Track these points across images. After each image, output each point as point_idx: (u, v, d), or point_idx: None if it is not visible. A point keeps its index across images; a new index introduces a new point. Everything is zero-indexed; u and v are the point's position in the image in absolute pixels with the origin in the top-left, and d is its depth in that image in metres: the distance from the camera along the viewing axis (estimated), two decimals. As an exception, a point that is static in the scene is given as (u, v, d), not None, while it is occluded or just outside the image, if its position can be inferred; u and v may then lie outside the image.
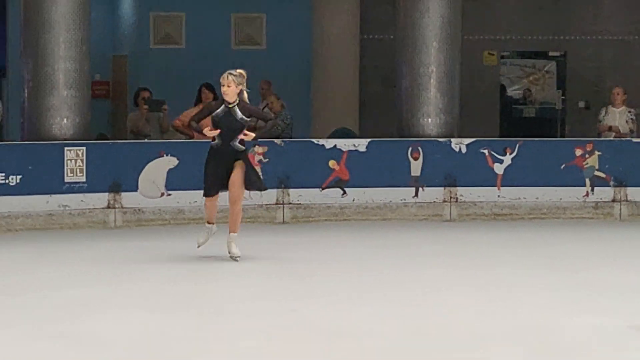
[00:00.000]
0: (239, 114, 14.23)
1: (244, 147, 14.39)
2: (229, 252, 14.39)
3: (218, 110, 14.27)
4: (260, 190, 15.06)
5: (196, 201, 17.81)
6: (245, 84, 14.35)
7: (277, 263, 14.81)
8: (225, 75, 14.22)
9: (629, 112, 20.07)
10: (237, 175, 14.21)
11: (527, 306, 11.99)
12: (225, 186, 14.33)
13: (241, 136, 14.30)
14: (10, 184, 17.17)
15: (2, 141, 20.83)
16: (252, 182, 14.43)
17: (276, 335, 10.65)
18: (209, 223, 14.65)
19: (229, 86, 14.13)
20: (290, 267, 14.52)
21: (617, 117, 19.98)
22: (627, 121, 19.95)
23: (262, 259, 15.07)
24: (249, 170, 14.40)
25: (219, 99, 14.84)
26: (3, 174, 17.14)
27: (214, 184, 14.39)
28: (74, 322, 11.17)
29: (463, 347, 10.25)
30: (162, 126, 20.01)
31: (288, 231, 17.47)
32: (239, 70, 14.34)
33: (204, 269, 14.28)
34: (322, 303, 12.18)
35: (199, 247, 14.54)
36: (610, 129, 19.88)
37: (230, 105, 14.25)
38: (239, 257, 14.38)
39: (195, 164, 17.83)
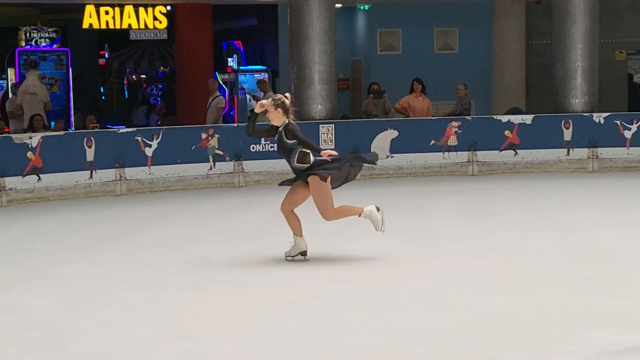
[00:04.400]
0: (285, 138, 10.24)
1: (307, 164, 10.27)
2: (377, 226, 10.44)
3: (275, 135, 10.35)
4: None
5: (411, 161, 17.85)
6: (286, 107, 10.26)
7: (469, 202, 14.74)
8: (268, 101, 10.34)
9: None
10: (313, 197, 10.35)
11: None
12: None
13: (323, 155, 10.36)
14: (283, 150, 17.41)
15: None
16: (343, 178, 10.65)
17: (471, 254, 10.62)
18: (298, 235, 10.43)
19: (268, 110, 10.25)
20: (478, 205, 14.44)
21: None
22: None
23: (458, 200, 15.01)
24: (327, 175, 10.32)
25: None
26: (278, 144, 17.39)
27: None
28: (328, 245, 11.27)
29: (605, 260, 10.07)
30: (385, 109, 20.06)
31: (476, 181, 17.35)
32: (278, 95, 10.46)
33: (422, 204, 14.28)
34: (501, 230, 12.10)
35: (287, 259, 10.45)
36: None
37: (280, 129, 10.28)
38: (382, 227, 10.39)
39: (411, 134, 17.91)
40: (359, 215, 10.50)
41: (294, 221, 10.45)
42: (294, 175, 10.57)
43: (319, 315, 8.03)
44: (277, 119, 10.29)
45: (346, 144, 17.62)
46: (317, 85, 18.23)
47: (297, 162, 10.32)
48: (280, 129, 10.30)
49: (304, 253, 10.44)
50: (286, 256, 10.46)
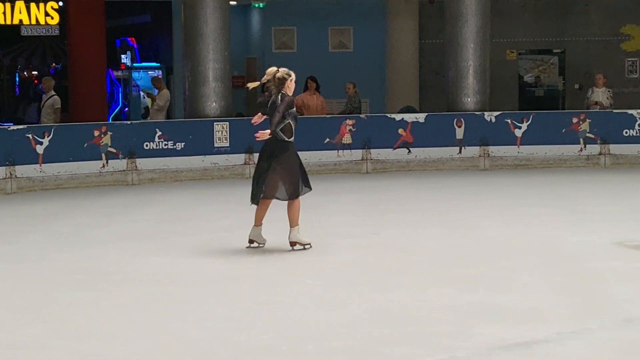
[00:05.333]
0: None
1: (285, 138, 10.70)
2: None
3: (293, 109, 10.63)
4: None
5: (306, 159, 17.81)
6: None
7: (363, 201, 14.82)
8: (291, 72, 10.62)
9: (608, 91, 19.91)
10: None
11: (540, 229, 11.92)
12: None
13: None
14: (177, 148, 17.29)
15: (170, 119, 20.96)
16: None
17: (364, 251, 10.67)
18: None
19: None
20: (372, 203, 14.52)
21: (599, 95, 19.81)
22: (607, 97, 19.78)
23: (352, 198, 15.09)
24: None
25: (287, 94, 10.59)
26: (172, 141, 17.26)
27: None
28: (223, 243, 11.25)
29: (496, 257, 10.22)
30: (281, 107, 20.03)
31: (370, 179, 17.46)
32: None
33: (316, 202, 14.29)
34: (394, 227, 12.19)
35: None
36: (595, 103, 19.73)
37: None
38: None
39: (305, 133, 17.87)
40: (256, 224, 10.72)
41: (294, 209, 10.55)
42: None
43: (212, 314, 7.99)
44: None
45: (241, 141, 17.56)
46: (211, 83, 18.14)
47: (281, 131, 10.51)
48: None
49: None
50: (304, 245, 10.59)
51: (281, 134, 10.57)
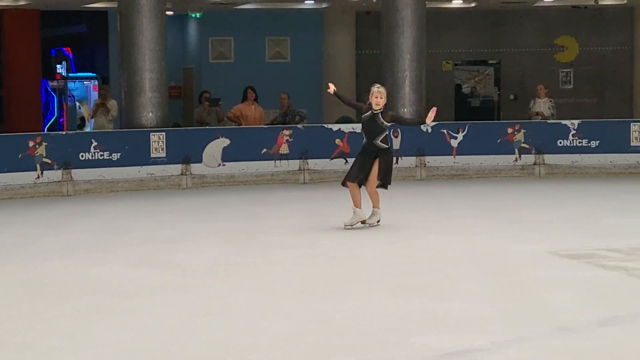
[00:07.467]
0: (381, 120, 12.62)
1: (386, 146, 12.75)
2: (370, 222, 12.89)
3: (366, 114, 12.79)
4: (383, 187, 12.96)
5: (243, 169, 17.92)
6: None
7: (302, 211, 14.88)
8: (380, 89, 12.84)
9: (550, 101, 20.27)
10: (374, 172, 12.70)
11: (477, 238, 12.05)
12: (365, 177, 12.78)
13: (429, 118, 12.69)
14: (113, 159, 17.24)
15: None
16: (381, 178, 12.84)
17: (305, 261, 10.74)
18: (356, 207, 12.76)
19: (382, 98, 12.68)
20: (311, 213, 14.59)
21: (541, 105, 20.15)
22: (549, 108, 20.13)
23: (292, 208, 15.14)
24: (385, 167, 12.76)
25: (367, 104, 12.92)
26: (108, 152, 17.21)
27: (358, 173, 12.75)
28: (165, 254, 11.26)
29: (435, 266, 10.34)
30: (218, 117, 20.10)
31: (307, 189, 17.54)
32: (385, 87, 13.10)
33: (255, 212, 14.35)
34: (334, 237, 12.26)
35: (345, 227, 12.68)
36: (537, 114, 20.06)
37: (375, 112, 12.66)
38: (378, 222, 12.93)
39: (242, 143, 17.97)
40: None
41: (359, 194, 12.78)
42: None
43: (154, 325, 7.99)
44: (383, 104, 12.69)
45: (177, 152, 17.57)
46: (147, 93, 18.11)
47: (381, 142, 12.67)
48: (377, 111, 12.68)
49: (363, 221, 12.84)
50: (345, 225, 12.69)
51: (381, 144, 12.73)
